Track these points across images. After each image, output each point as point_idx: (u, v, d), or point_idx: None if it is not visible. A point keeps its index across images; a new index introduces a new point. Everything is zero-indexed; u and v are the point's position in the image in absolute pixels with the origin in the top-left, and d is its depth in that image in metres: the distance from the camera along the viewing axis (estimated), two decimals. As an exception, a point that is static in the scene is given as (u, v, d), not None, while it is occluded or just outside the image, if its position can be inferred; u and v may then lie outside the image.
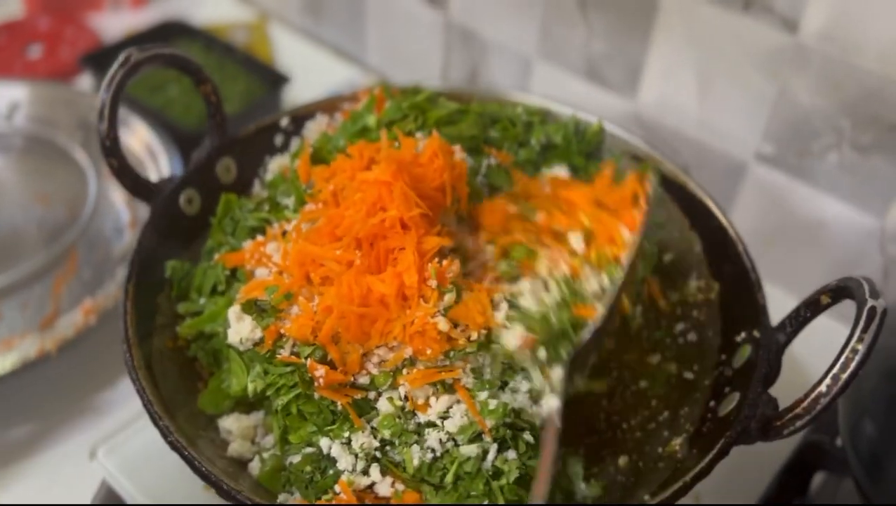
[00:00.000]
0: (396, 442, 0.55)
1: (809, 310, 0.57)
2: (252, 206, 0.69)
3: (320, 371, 0.55)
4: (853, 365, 0.49)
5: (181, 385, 0.60)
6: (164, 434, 0.54)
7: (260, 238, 0.65)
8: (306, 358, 0.56)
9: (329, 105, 0.77)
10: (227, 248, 0.66)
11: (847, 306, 0.57)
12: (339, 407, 0.56)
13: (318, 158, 0.69)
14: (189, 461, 0.53)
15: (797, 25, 0.81)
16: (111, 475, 0.70)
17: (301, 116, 0.76)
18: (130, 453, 0.71)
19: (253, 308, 0.59)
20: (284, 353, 0.57)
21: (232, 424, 0.59)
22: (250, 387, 0.57)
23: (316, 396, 0.56)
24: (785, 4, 0.81)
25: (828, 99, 0.83)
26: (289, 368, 0.56)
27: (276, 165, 0.74)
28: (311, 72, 1.24)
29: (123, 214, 0.95)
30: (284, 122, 0.76)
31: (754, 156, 0.92)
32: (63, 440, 0.79)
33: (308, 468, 0.56)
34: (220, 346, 0.61)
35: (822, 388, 0.49)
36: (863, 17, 0.77)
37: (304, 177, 0.67)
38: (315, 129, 0.75)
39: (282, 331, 0.57)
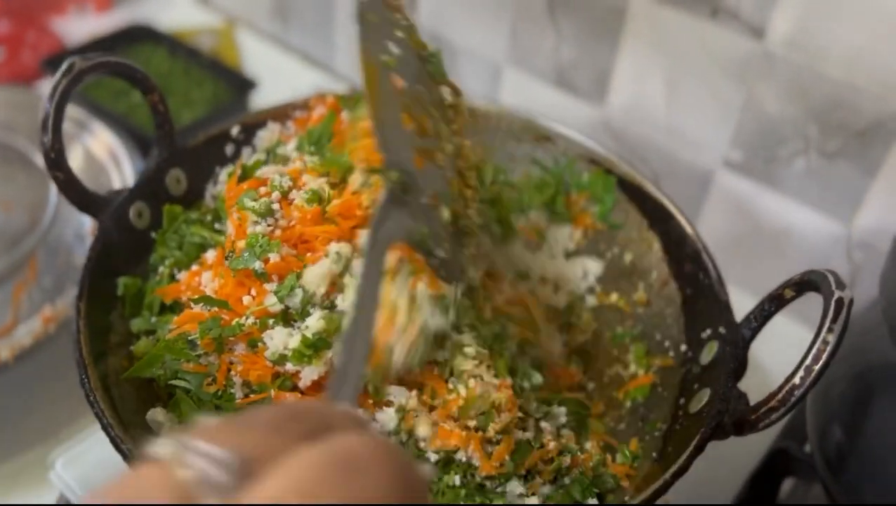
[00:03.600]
0: None
1: (773, 304, 0.57)
2: (195, 216, 0.67)
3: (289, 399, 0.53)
4: (825, 356, 0.49)
5: (140, 407, 0.58)
6: (127, 457, 0.52)
7: (195, 268, 0.62)
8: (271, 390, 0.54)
9: (280, 113, 0.75)
10: (172, 260, 0.64)
11: (802, 305, 0.58)
12: None
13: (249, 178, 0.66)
14: None
15: (764, 33, 0.81)
16: (69, 488, 0.69)
17: (251, 125, 0.74)
18: (89, 464, 0.69)
19: (185, 347, 0.56)
20: (236, 392, 0.55)
21: None
22: None
23: None
24: (751, 12, 0.81)
25: (795, 106, 0.83)
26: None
27: (226, 175, 0.71)
28: (279, 77, 1.22)
29: (85, 221, 0.93)
30: (235, 130, 0.73)
31: (722, 163, 0.92)
32: (19, 452, 0.77)
33: None
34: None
35: (796, 380, 0.50)
36: (828, 24, 0.77)
37: (231, 201, 0.64)
38: (266, 137, 0.73)
39: (233, 375, 0.55)
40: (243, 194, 0.61)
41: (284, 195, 0.60)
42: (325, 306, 0.55)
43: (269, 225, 0.58)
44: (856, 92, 0.78)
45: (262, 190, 0.61)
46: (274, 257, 0.56)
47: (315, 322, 0.54)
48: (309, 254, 0.57)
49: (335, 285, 0.55)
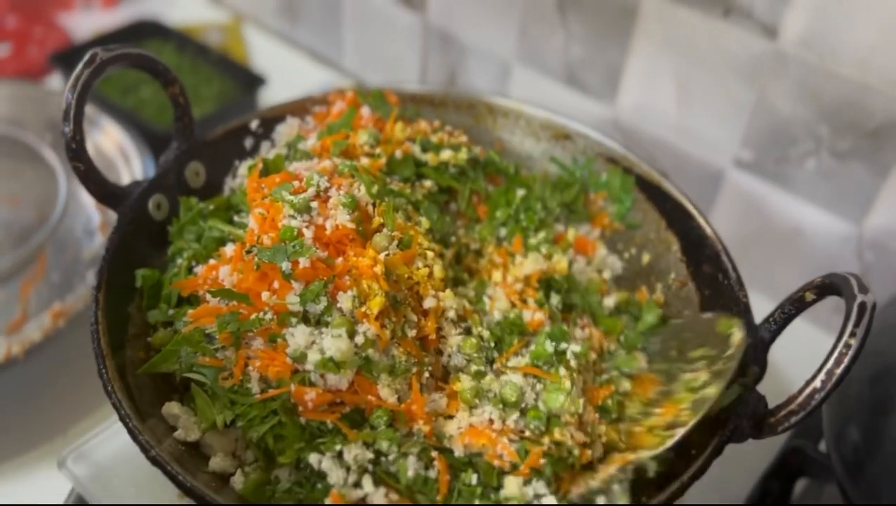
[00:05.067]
0: (393, 454, 0.53)
1: (794, 306, 0.56)
2: (212, 206, 0.67)
3: (310, 394, 0.52)
4: (847, 360, 0.48)
5: (156, 398, 0.57)
6: (145, 449, 0.51)
7: (213, 262, 0.61)
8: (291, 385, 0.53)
9: (299, 107, 0.75)
10: (190, 253, 0.63)
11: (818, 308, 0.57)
12: (330, 423, 0.53)
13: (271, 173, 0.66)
14: (172, 477, 0.50)
15: (776, 32, 0.81)
16: (80, 484, 0.68)
17: (271, 119, 0.74)
18: (100, 460, 0.69)
19: (202, 340, 0.56)
20: (253, 386, 0.54)
21: (212, 438, 0.56)
22: (219, 420, 0.54)
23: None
24: (765, 11, 0.81)
25: (806, 106, 0.83)
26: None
27: (245, 169, 0.71)
28: (286, 75, 1.22)
29: (94, 216, 0.93)
30: (254, 124, 0.73)
31: (733, 162, 0.92)
32: (30, 447, 0.77)
33: (296, 488, 0.53)
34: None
35: (817, 383, 0.49)
36: (841, 24, 0.77)
37: (253, 195, 0.63)
38: (285, 132, 0.73)
39: (250, 369, 0.54)
40: (280, 187, 0.60)
41: (320, 194, 0.60)
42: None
43: (304, 221, 0.58)
44: (868, 92, 0.78)
45: (297, 185, 0.61)
46: (304, 263, 0.55)
47: (333, 346, 0.53)
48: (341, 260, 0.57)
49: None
